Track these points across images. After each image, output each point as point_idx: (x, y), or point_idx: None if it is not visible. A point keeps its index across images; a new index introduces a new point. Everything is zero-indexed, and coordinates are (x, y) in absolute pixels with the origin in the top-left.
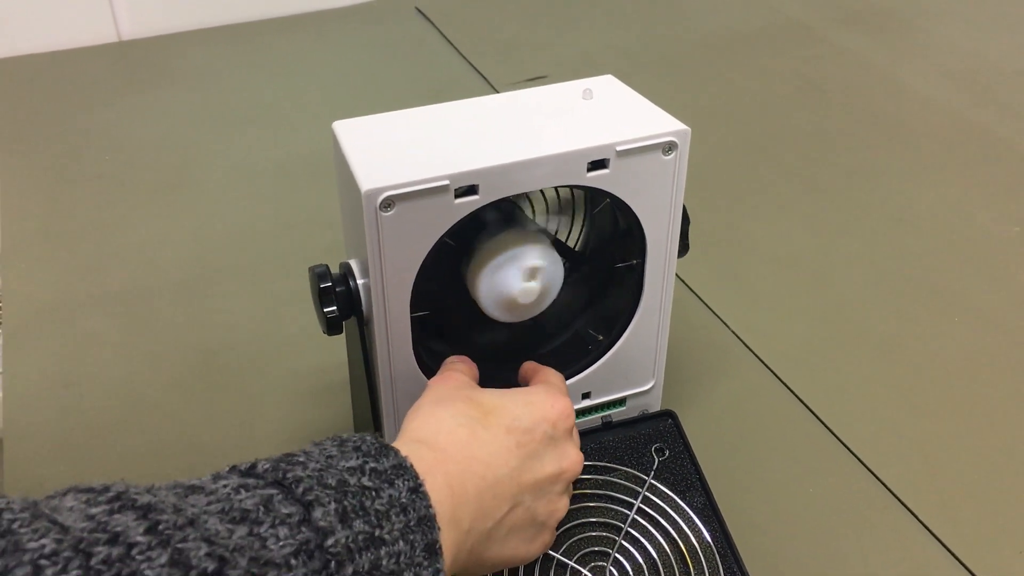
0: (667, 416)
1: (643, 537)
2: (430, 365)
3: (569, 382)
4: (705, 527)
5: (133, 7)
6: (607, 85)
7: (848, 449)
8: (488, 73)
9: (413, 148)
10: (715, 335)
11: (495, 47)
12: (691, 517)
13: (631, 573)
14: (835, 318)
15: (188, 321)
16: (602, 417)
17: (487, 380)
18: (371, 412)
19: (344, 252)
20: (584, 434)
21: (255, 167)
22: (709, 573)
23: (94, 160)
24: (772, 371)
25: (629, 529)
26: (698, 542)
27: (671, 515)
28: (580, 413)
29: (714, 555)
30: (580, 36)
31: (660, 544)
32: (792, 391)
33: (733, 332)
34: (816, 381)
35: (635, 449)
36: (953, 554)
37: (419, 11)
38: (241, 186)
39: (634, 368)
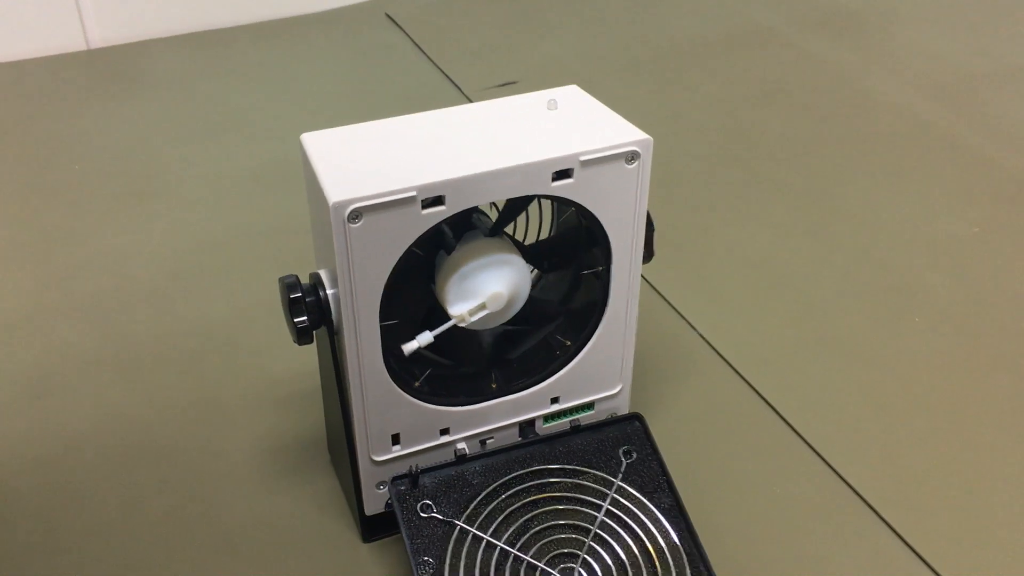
0: (634, 419)
1: (611, 538)
2: (400, 373)
3: (538, 387)
4: (672, 528)
5: (101, 15)
6: (571, 95)
7: (812, 449)
8: (458, 79)
9: (380, 160)
10: (683, 338)
11: (465, 53)
12: (658, 518)
13: (599, 574)
14: (801, 320)
15: (160, 330)
16: (570, 421)
17: (458, 387)
18: (342, 419)
19: (314, 260)
20: (552, 438)
21: (226, 174)
22: (676, 573)
23: (64, 169)
24: (739, 373)
25: (598, 531)
26: (665, 543)
27: (639, 516)
28: (549, 418)
29: (681, 555)
30: (549, 41)
31: (628, 545)
32: (759, 393)
33: (700, 335)
34: (782, 383)
35: (603, 452)
36: (913, 550)
37: (389, 17)
38: (212, 194)
39: (602, 372)
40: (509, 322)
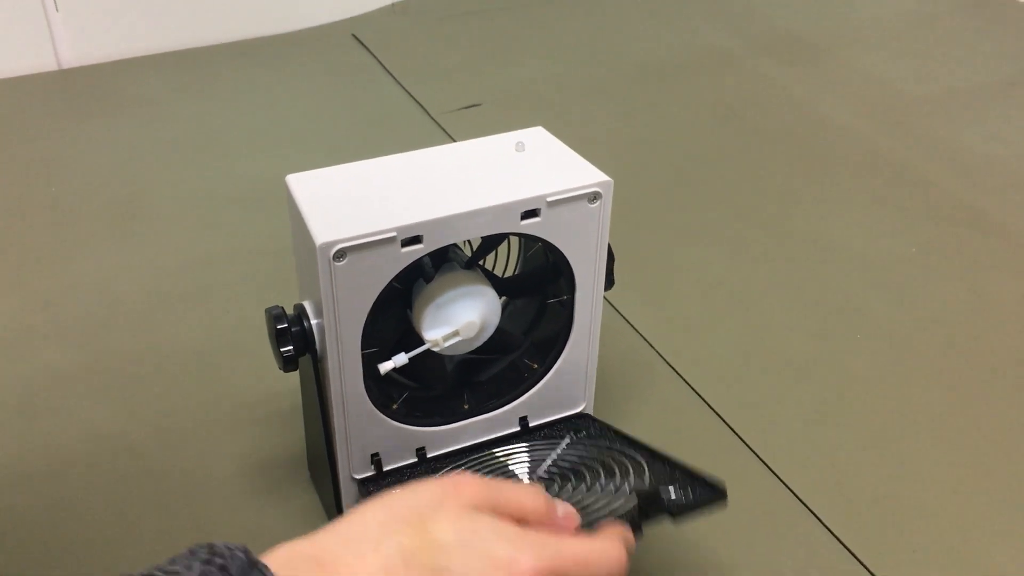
0: (583, 417)
1: (568, 462)
2: (379, 396)
3: (506, 408)
4: (629, 448)
5: (72, 35)
6: (537, 137)
7: (760, 460)
8: (423, 100)
9: (362, 201)
10: (642, 357)
11: (430, 75)
12: (614, 443)
13: (559, 481)
14: (752, 338)
15: (144, 351)
16: (520, 419)
17: (433, 409)
18: (324, 440)
19: (296, 282)
20: (506, 438)
21: (203, 195)
22: (634, 474)
23: (43, 191)
24: (694, 389)
25: (558, 462)
26: (625, 456)
27: (593, 448)
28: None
29: (640, 463)
30: (513, 65)
31: (588, 461)
32: (712, 407)
33: (659, 353)
34: (733, 398)
35: (553, 438)
36: (856, 557)
37: (356, 38)
38: (190, 215)
39: (567, 393)
40: (474, 351)
